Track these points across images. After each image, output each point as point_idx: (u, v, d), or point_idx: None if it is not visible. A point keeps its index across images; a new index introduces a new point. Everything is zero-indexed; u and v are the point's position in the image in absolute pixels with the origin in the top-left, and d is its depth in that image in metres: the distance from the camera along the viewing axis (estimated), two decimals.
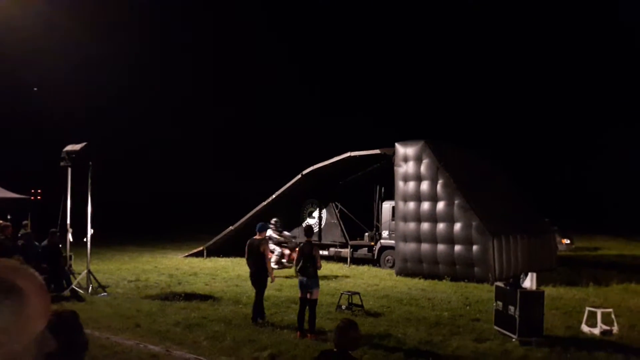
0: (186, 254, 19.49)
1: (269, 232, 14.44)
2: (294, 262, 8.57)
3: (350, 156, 16.80)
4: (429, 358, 7.09)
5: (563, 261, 17.98)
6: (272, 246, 14.19)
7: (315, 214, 18.99)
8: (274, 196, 18.24)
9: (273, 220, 15.47)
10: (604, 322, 8.54)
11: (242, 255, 17.44)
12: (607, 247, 25.18)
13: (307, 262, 8.23)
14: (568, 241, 22.88)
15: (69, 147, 12.02)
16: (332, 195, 18.80)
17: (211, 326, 8.68)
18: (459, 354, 7.31)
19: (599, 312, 8.60)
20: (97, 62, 39.48)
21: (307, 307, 8.23)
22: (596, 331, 8.45)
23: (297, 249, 13.51)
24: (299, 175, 17.83)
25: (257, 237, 9.14)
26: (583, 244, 25.15)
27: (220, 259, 18.37)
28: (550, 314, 9.39)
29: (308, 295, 8.23)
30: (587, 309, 8.93)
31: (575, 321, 9.14)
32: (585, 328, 8.66)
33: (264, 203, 18.35)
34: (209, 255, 18.93)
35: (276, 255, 14.89)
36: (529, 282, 8.14)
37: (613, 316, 8.70)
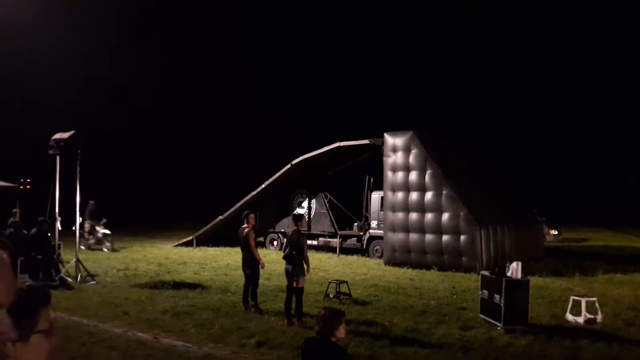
0: (176, 244, 19.48)
1: None
2: (282, 248, 8.58)
3: (339, 146, 16.82)
4: (414, 345, 7.18)
5: (550, 252, 18.20)
6: None
7: (305, 204, 19.02)
8: (263, 186, 18.24)
9: None
10: (588, 311, 8.66)
11: (231, 245, 17.58)
12: (594, 239, 25.48)
13: (293, 250, 8.27)
14: (556, 232, 23.13)
15: (57, 135, 11.95)
16: (321, 185, 18.83)
17: (199, 314, 8.72)
18: (444, 342, 7.41)
19: (583, 301, 8.72)
20: (80, 51, 38.89)
21: (294, 295, 8.28)
22: (580, 320, 8.58)
23: None
24: (289, 165, 17.83)
25: (244, 225, 9.18)
26: (571, 235, 25.43)
27: (209, 249, 18.38)
28: (535, 303, 9.53)
29: (294, 284, 8.27)
30: (572, 297, 9.06)
31: (560, 310, 9.27)
32: (569, 317, 8.79)
33: (254, 193, 18.36)
34: (198, 245, 18.93)
35: None
36: (514, 270, 8.23)
37: (597, 305, 8.83)
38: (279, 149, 30.43)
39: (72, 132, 11.92)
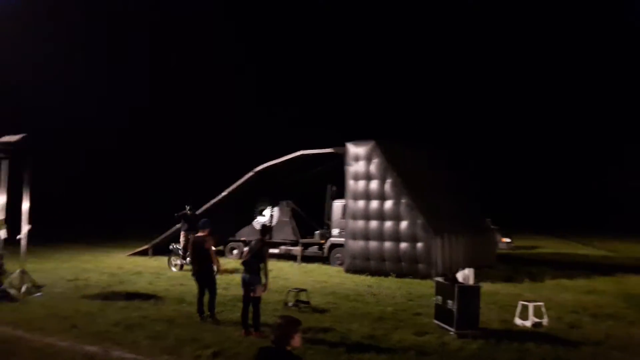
0: (130, 253, 18.97)
1: None
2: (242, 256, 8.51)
3: (302, 154, 16.88)
4: (370, 351, 7.25)
5: (502, 259, 18.77)
6: None
7: (267, 211, 18.94)
8: (225, 193, 18.07)
9: None
10: (535, 315, 9.01)
11: None
12: (544, 246, 26.45)
13: (254, 258, 8.20)
14: (508, 240, 23.88)
15: (5, 138, 11.45)
16: (283, 193, 18.80)
17: (152, 326, 8.51)
18: (400, 347, 7.52)
19: (531, 305, 9.07)
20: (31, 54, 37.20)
21: (251, 305, 8.21)
22: (528, 324, 8.91)
23: None
24: (251, 172, 17.74)
25: (200, 234, 9.06)
26: (522, 243, 26.30)
27: (166, 258, 17.96)
28: (487, 308, 9.83)
29: (251, 293, 8.20)
30: (520, 303, 9.39)
31: (510, 315, 9.57)
32: (518, 321, 9.11)
33: (215, 200, 18.14)
34: (154, 254, 18.49)
35: None
36: (466, 276, 8.45)
37: (543, 309, 9.17)
38: (241, 156, 30.18)
39: (22, 134, 11.46)
